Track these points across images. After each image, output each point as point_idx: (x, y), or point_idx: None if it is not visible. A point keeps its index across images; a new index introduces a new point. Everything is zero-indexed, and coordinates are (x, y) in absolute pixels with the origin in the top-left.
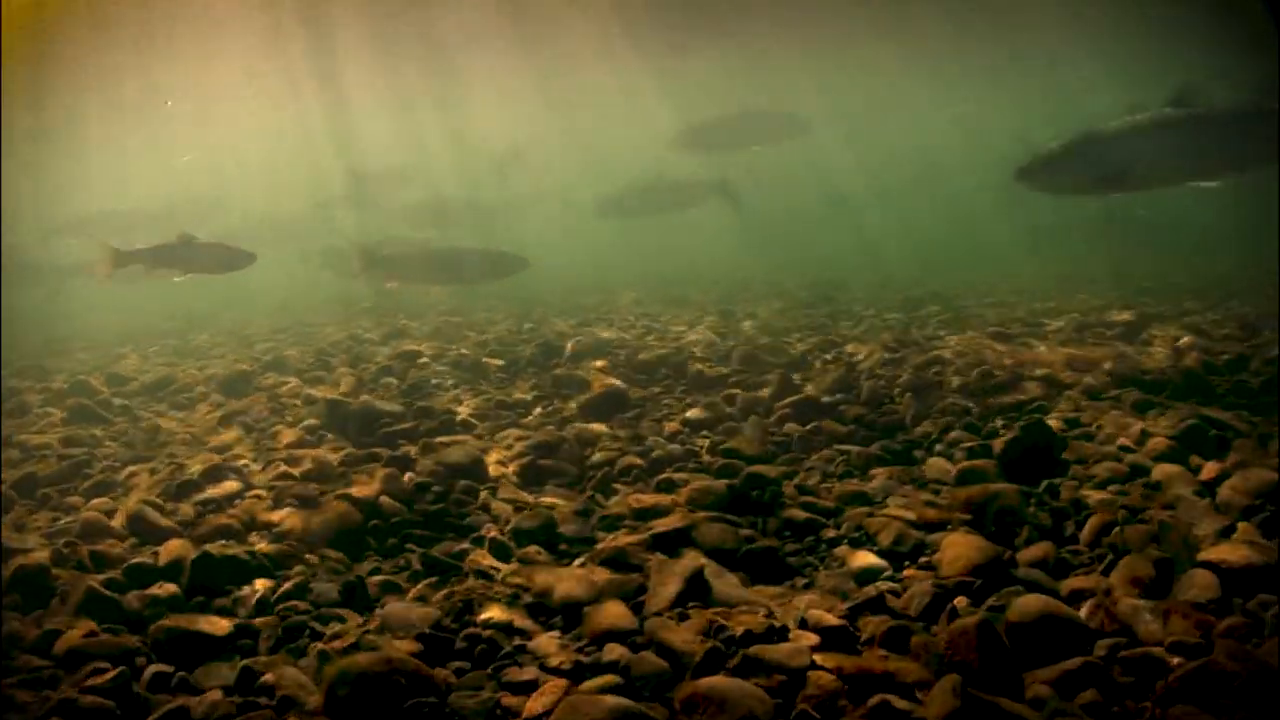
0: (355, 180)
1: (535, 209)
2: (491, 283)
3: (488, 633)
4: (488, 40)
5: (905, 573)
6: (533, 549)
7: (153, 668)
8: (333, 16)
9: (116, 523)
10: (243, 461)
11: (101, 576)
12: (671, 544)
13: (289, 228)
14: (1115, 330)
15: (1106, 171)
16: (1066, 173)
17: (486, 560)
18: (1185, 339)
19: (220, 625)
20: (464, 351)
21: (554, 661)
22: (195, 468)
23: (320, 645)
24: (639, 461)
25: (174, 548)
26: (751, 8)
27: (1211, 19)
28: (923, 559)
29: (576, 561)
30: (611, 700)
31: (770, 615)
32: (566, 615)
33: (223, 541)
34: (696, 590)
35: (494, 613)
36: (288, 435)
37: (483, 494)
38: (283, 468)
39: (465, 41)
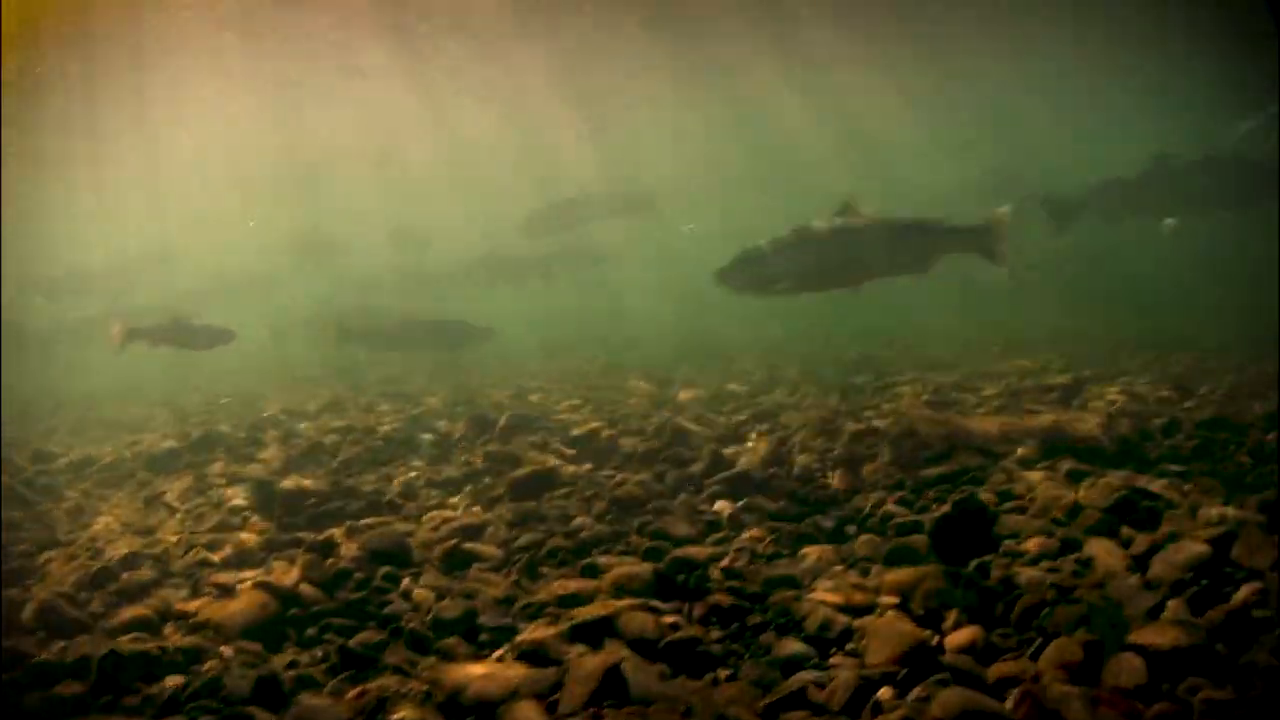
0: (306, 247)
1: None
2: (459, 351)
3: None
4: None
5: (832, 660)
6: (452, 640)
7: None
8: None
9: (26, 615)
10: (163, 547)
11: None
12: (592, 634)
13: (245, 290)
14: (1051, 395)
15: (784, 275)
16: (755, 274)
17: (403, 653)
18: (1120, 403)
19: None
20: (398, 425)
21: None
22: (113, 553)
23: None
24: (566, 543)
25: (83, 643)
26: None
27: None
28: (849, 645)
29: (495, 654)
30: None
31: (687, 714)
32: (479, 715)
33: (135, 634)
34: (613, 687)
35: (406, 713)
36: (211, 517)
37: (405, 580)
38: (203, 553)
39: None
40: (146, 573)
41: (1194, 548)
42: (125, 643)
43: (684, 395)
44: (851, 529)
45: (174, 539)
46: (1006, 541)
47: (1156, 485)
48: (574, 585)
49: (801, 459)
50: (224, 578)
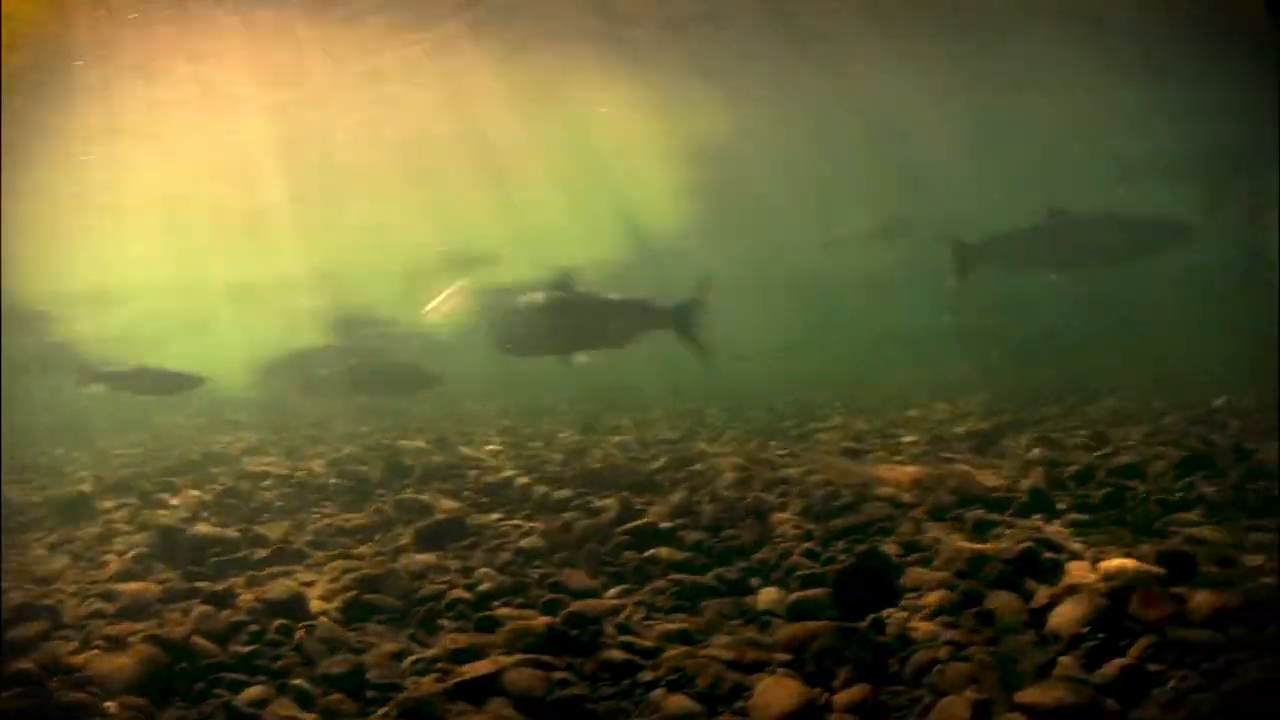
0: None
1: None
2: (414, 394)
3: None
4: None
5: (719, 719)
6: (337, 697)
7: None
8: None
9: None
10: (59, 597)
11: None
12: (477, 692)
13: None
14: (969, 442)
15: (508, 341)
16: (493, 338)
17: (286, 710)
18: (1035, 451)
19: None
20: (314, 470)
21: None
22: (6, 604)
23: None
24: (466, 595)
25: None
26: None
27: None
28: (738, 704)
29: (380, 711)
30: None
31: None
32: None
33: (17, 689)
34: None
35: None
36: (114, 565)
37: (299, 633)
38: (98, 604)
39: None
40: (37, 625)
41: (1092, 600)
42: (5, 699)
43: (605, 442)
44: (755, 581)
45: (72, 589)
46: (909, 595)
47: (1063, 535)
48: (466, 639)
49: (711, 509)
50: (116, 630)
